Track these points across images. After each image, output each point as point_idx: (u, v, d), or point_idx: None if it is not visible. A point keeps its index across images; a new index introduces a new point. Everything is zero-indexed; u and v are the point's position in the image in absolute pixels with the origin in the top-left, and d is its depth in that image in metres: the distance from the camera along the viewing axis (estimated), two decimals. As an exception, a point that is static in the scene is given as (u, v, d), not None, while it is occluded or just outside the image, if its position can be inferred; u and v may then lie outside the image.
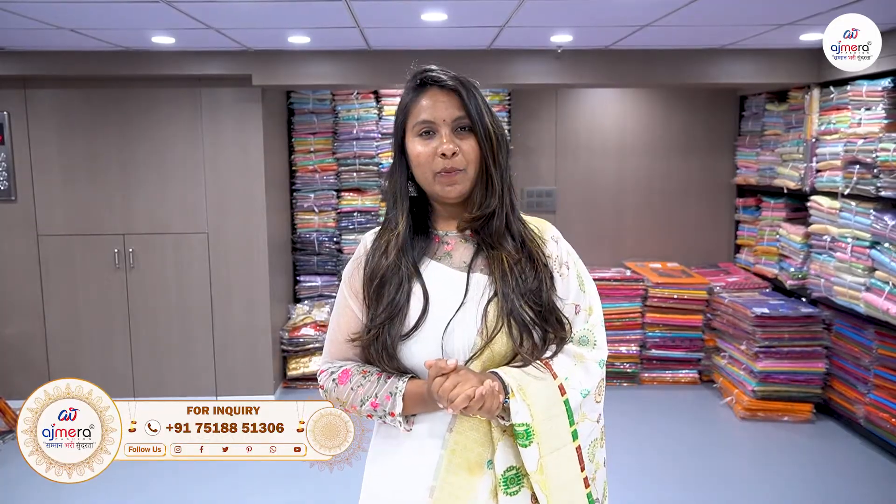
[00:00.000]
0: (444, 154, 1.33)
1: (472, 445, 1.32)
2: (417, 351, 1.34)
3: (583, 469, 1.34)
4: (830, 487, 3.41)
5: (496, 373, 1.30)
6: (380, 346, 1.35)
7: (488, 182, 1.37)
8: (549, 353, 1.37)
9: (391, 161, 1.46)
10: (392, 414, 1.33)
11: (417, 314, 1.34)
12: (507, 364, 1.34)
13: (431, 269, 1.39)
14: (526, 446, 1.28)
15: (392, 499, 1.38)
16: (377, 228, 1.47)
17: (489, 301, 1.33)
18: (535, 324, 1.34)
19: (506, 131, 1.42)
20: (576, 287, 1.42)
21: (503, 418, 1.30)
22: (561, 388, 1.34)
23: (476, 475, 1.31)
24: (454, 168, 1.34)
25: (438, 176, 1.35)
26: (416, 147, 1.36)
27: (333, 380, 1.42)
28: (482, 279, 1.36)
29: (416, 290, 1.36)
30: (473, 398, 1.21)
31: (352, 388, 1.38)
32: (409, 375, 1.36)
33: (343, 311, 1.45)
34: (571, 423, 1.34)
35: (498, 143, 1.37)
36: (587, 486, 1.35)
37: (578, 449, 1.34)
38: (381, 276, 1.37)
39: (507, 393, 1.28)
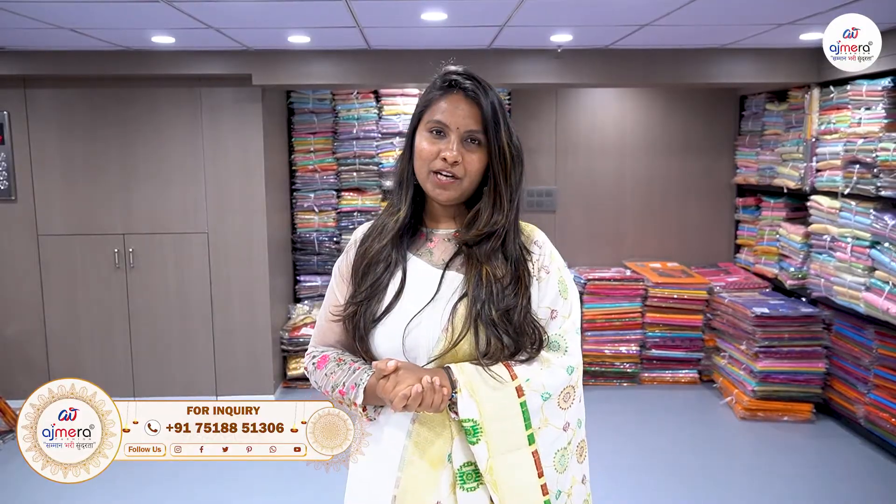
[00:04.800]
0: (445, 159, 1.34)
1: (434, 438, 1.33)
2: (382, 341, 1.36)
3: (541, 475, 1.32)
4: (830, 487, 3.41)
5: (448, 367, 1.31)
6: (355, 324, 1.39)
7: (497, 200, 1.37)
8: (520, 359, 1.36)
9: (398, 154, 1.48)
10: (355, 404, 1.36)
11: (390, 300, 1.37)
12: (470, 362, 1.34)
13: (411, 264, 1.41)
14: (474, 443, 1.29)
15: (364, 486, 1.40)
16: (369, 223, 1.50)
17: (459, 300, 1.33)
18: (506, 332, 1.32)
19: (522, 151, 1.40)
20: (555, 292, 1.39)
21: (456, 413, 1.30)
22: (519, 389, 1.31)
23: (437, 468, 1.32)
24: (451, 174, 1.35)
25: (432, 175, 1.36)
26: (423, 142, 1.38)
27: (313, 364, 1.48)
28: (456, 278, 1.37)
29: (397, 277, 1.39)
30: (410, 396, 1.24)
31: (325, 374, 1.43)
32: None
33: (330, 298, 1.50)
34: (528, 427, 1.31)
35: (512, 162, 1.37)
36: (545, 493, 1.32)
37: (535, 454, 1.32)
38: (372, 258, 1.41)
39: (455, 388, 1.29)
